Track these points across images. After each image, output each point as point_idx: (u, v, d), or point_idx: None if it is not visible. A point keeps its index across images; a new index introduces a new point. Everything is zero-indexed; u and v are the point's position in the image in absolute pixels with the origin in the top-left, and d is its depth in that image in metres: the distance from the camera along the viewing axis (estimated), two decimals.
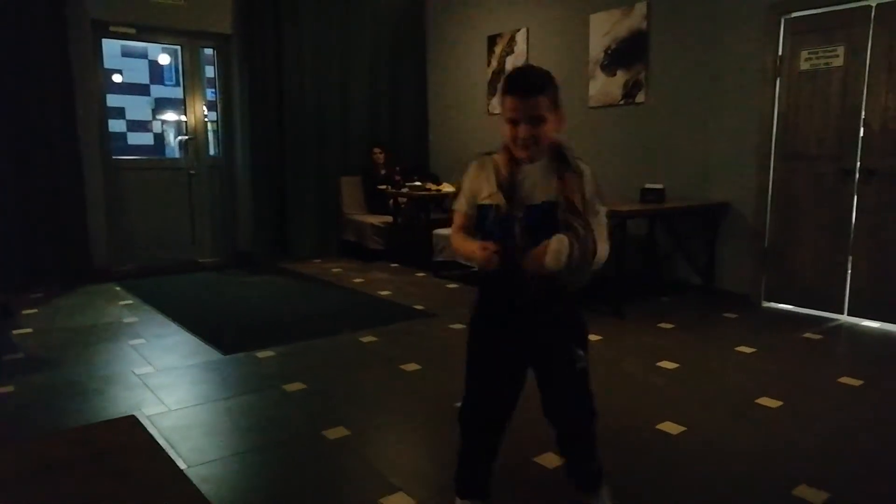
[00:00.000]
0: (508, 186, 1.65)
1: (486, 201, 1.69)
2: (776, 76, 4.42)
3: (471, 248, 1.66)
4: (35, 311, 4.47)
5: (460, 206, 1.79)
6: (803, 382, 3.10)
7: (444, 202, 6.68)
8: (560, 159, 1.66)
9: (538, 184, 1.64)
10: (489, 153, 1.75)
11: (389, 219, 6.39)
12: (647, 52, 5.17)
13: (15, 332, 3.92)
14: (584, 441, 1.85)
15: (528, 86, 1.61)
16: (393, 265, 6.24)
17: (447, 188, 6.30)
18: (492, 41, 6.58)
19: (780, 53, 4.39)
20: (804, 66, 4.28)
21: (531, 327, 1.73)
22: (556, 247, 1.53)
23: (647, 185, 4.81)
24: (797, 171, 4.40)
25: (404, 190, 6.24)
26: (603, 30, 5.49)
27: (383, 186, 6.56)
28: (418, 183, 6.33)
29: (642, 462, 2.31)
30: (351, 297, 5.00)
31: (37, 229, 5.16)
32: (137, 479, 1.11)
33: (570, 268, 1.56)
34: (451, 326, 4.09)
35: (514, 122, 1.62)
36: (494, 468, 1.88)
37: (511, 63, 6.36)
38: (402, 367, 3.33)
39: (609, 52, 5.46)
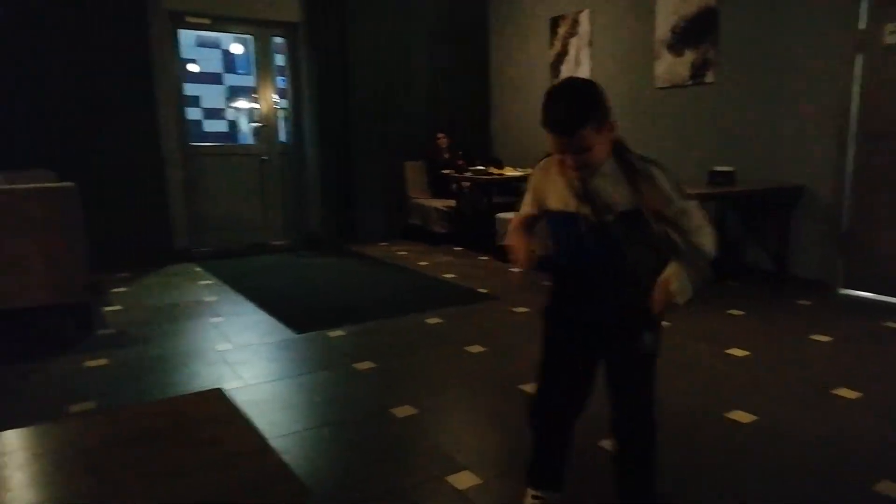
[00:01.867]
0: (586, 195, 1.60)
1: (559, 207, 1.66)
2: (857, 52, 4.20)
3: (519, 248, 1.71)
4: (124, 289, 4.78)
5: (525, 204, 1.81)
6: (885, 373, 2.99)
7: (508, 186, 6.69)
8: (624, 161, 1.60)
9: (611, 189, 1.59)
10: (551, 154, 1.71)
11: (453, 203, 6.44)
12: (717, 29, 4.99)
13: (106, 308, 4.21)
14: (642, 461, 1.78)
15: (567, 124, 1.51)
16: (456, 249, 6.31)
17: (510, 172, 6.30)
18: (555, 23, 6.49)
19: (861, 27, 4.16)
20: (889, 39, 4.05)
21: (600, 311, 1.71)
22: (677, 286, 1.55)
23: (717, 168, 4.68)
24: (880, 150, 4.18)
25: (467, 174, 6.28)
26: (670, 8, 5.33)
27: (447, 171, 6.61)
28: (481, 167, 6.35)
29: (711, 451, 2.30)
30: (416, 279, 5.10)
31: (124, 212, 5.49)
32: (226, 448, 1.19)
33: (697, 289, 1.57)
34: (514, 310, 4.13)
35: (559, 152, 1.57)
36: (569, 458, 1.88)
37: (575, 46, 6.27)
38: (467, 348, 3.40)
39: (676, 30, 5.30)
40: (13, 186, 3.49)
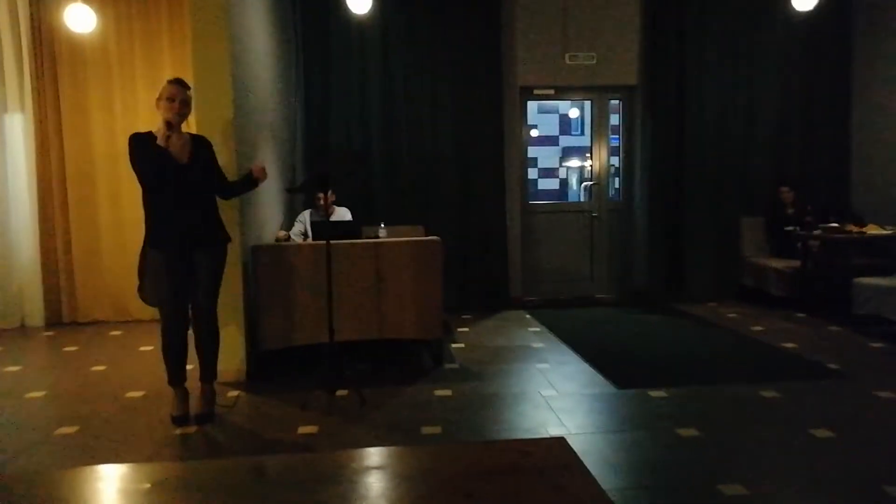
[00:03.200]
0: None
1: None
2: None
3: None
4: (466, 329, 5.43)
5: None
6: None
7: (871, 246, 5.76)
8: None
9: None
10: None
11: (796, 263, 5.80)
12: None
13: (452, 345, 4.85)
14: None
15: None
16: (799, 315, 5.64)
17: (874, 230, 5.43)
18: None
19: None
20: None
21: None
22: None
23: None
24: None
25: (817, 232, 5.60)
26: None
27: (791, 228, 6.00)
28: (835, 224, 5.60)
29: None
30: (749, 345, 4.71)
31: (472, 262, 6.27)
32: (571, 496, 1.29)
33: None
34: (877, 393, 3.53)
35: None
36: None
37: None
38: (812, 431, 3.03)
39: None
40: (396, 239, 4.32)
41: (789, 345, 4.65)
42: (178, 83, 3.25)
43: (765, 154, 6.56)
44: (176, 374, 3.35)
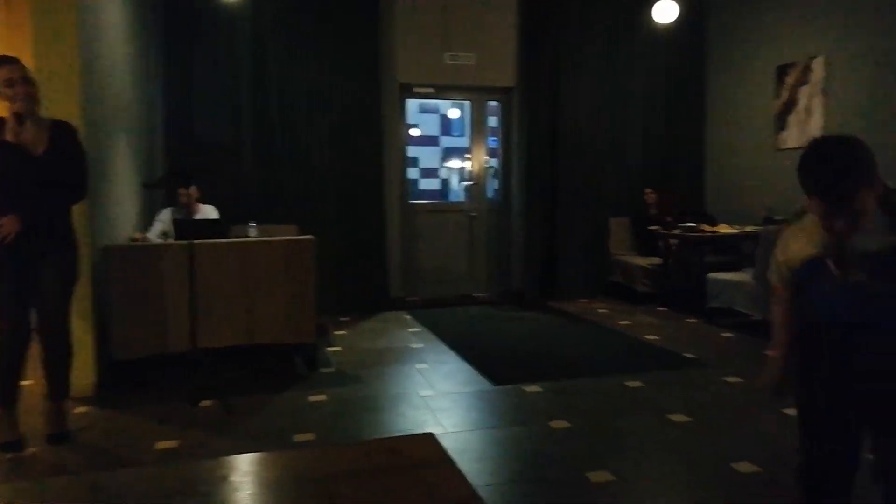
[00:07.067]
0: (839, 256, 1.51)
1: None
2: None
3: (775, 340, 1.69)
4: (344, 332, 5.29)
5: (777, 279, 1.73)
6: None
7: (721, 245, 6.26)
8: (890, 205, 1.48)
9: (871, 237, 1.50)
10: (802, 213, 1.63)
11: (659, 261, 6.18)
12: None
13: (329, 349, 4.70)
14: None
15: (839, 192, 1.41)
16: (661, 309, 6.01)
17: (724, 230, 5.90)
18: (782, 71, 6.04)
19: None
20: None
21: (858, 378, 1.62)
22: None
23: None
24: None
25: (676, 231, 6.00)
26: None
27: (653, 227, 6.39)
28: (692, 224, 6.03)
29: None
30: (617, 339, 4.95)
31: (350, 262, 6.11)
32: (440, 492, 1.25)
33: None
34: (726, 379, 3.81)
35: (825, 219, 1.47)
36: None
37: (806, 95, 5.76)
38: (671, 417, 3.21)
39: None
40: (266, 238, 4.10)
41: (652, 337, 4.93)
42: (8, 61, 2.84)
43: (632, 158, 6.94)
44: (10, 394, 2.94)
